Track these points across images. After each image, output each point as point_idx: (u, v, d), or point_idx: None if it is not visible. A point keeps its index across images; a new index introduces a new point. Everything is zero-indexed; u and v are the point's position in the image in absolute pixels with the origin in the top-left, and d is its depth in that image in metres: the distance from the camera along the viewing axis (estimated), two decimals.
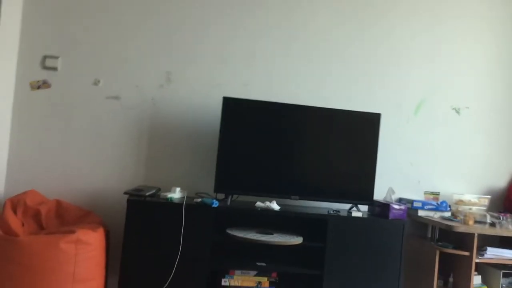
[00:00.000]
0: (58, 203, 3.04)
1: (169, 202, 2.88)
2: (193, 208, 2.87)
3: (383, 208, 3.07)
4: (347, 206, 3.23)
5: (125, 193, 2.92)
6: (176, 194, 2.98)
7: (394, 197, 3.30)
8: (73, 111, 3.23)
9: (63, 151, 3.21)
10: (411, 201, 3.29)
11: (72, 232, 2.69)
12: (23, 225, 2.83)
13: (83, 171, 3.22)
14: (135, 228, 2.82)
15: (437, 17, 3.56)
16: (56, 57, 3.21)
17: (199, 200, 2.95)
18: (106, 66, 3.26)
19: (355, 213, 3.07)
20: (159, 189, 3.06)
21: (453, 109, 3.58)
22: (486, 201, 3.38)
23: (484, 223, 3.18)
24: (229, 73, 3.36)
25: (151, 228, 2.83)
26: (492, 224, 3.17)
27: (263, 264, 2.93)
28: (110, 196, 3.21)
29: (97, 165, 3.23)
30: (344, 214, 3.07)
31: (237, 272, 2.92)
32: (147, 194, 2.89)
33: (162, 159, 3.29)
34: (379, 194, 3.25)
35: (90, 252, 2.72)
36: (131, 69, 3.28)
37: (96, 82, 3.25)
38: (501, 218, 3.17)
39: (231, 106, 3.09)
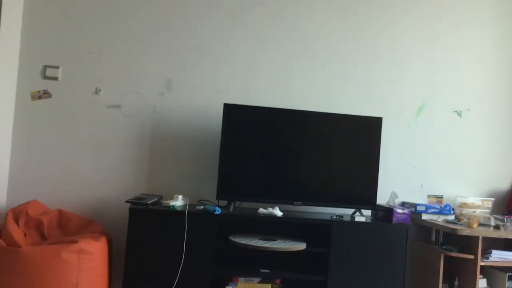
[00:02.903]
0: (60, 213, 3.03)
1: (172, 210, 2.87)
2: (196, 215, 2.86)
3: (387, 212, 3.05)
4: (350, 211, 3.22)
5: (127, 201, 2.92)
6: (178, 201, 2.97)
7: (397, 201, 3.30)
8: (74, 121, 3.23)
9: (64, 160, 3.21)
10: (414, 205, 3.28)
11: (75, 242, 2.68)
12: (25, 235, 2.82)
13: (85, 180, 3.21)
14: (138, 236, 2.81)
15: (437, 21, 3.56)
16: (57, 67, 3.21)
17: (202, 207, 2.95)
18: (106, 74, 3.26)
19: (359, 218, 3.06)
20: (161, 197, 3.06)
21: (454, 111, 3.57)
22: (489, 204, 3.37)
23: (488, 225, 3.16)
24: (230, 79, 3.36)
25: (154, 236, 2.82)
26: (496, 227, 3.15)
27: (267, 271, 2.92)
28: (112, 205, 3.20)
29: (99, 174, 3.23)
30: (348, 219, 3.06)
31: (241, 279, 2.90)
32: (149, 202, 2.89)
33: (164, 166, 3.28)
34: (382, 199, 3.24)
35: (92, 262, 2.71)
36: (131, 77, 3.28)
37: (96, 91, 3.25)
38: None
39: (232, 112, 3.09)
